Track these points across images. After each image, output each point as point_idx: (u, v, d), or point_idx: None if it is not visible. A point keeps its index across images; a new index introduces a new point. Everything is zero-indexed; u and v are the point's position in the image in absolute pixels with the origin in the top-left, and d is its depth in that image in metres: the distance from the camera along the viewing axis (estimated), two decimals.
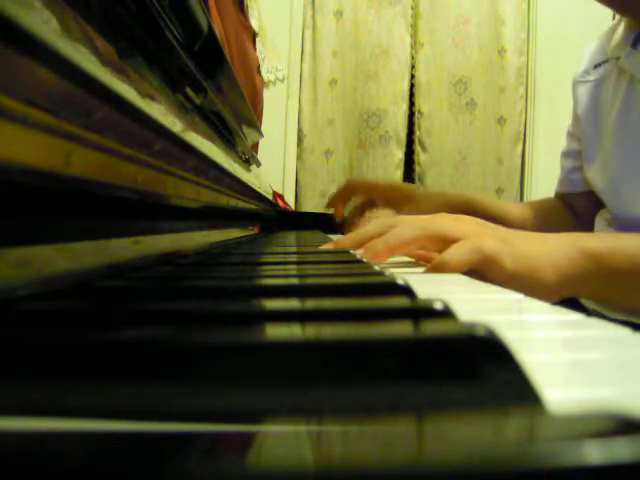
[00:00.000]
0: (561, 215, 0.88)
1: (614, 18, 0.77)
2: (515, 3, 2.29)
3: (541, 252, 0.44)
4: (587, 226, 0.83)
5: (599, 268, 0.44)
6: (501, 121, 2.30)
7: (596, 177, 0.77)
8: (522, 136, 2.32)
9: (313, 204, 2.25)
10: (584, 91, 0.80)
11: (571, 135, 0.87)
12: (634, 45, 0.70)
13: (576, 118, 0.83)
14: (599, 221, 0.80)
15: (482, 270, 0.41)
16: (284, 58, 2.26)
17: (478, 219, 0.49)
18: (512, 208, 0.88)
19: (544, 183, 2.06)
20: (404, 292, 0.24)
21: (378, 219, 0.49)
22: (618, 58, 0.72)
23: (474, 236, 0.43)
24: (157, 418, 0.11)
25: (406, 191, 0.88)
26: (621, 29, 0.73)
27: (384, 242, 0.44)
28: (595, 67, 0.79)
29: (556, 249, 0.45)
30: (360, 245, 0.47)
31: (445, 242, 0.43)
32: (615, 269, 0.44)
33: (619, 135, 0.71)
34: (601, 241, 0.46)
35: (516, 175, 2.32)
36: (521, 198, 2.31)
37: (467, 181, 2.30)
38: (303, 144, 2.29)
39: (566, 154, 0.88)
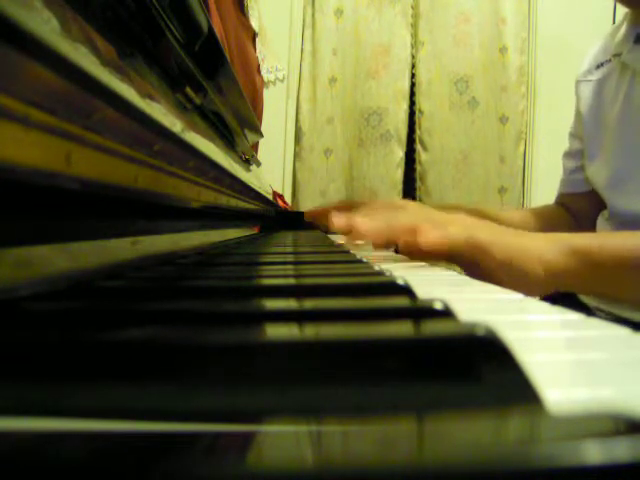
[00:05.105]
0: (562, 219, 0.88)
1: (614, 22, 0.78)
2: (516, 1, 2.29)
3: (530, 247, 0.47)
4: (588, 230, 0.83)
5: (586, 264, 0.46)
6: (503, 120, 2.30)
7: (598, 174, 0.77)
8: (524, 135, 2.32)
9: (312, 204, 2.25)
10: (587, 90, 0.80)
11: (573, 135, 0.87)
12: (637, 41, 0.70)
13: (578, 117, 0.83)
14: (601, 221, 0.80)
15: (472, 257, 0.45)
16: (284, 58, 2.26)
17: (472, 217, 0.52)
18: (514, 215, 0.88)
19: (547, 182, 2.06)
20: (404, 292, 0.24)
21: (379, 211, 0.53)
22: (620, 55, 0.73)
23: (466, 227, 0.46)
24: (157, 418, 0.11)
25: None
26: (624, 28, 0.74)
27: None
28: (597, 67, 0.79)
29: (545, 245, 0.47)
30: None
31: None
32: (601, 265, 0.46)
33: (622, 130, 0.72)
34: (589, 238, 0.49)
35: (519, 174, 2.31)
36: (524, 197, 2.31)
37: (469, 181, 2.29)
38: (302, 143, 2.29)
39: (568, 154, 0.88)
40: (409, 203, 0.53)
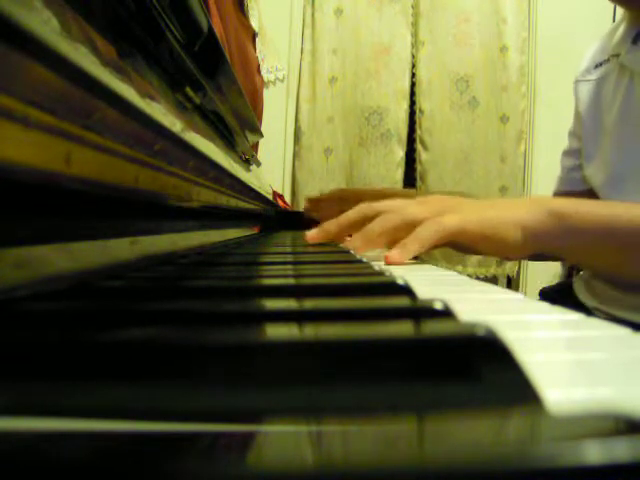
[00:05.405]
0: None
1: (614, 20, 0.78)
2: (516, 1, 2.29)
3: (507, 214, 0.48)
4: None
5: (563, 226, 0.48)
6: (504, 119, 2.30)
7: (595, 174, 0.77)
8: (525, 134, 2.32)
9: None
10: (586, 90, 0.80)
11: (572, 134, 0.87)
12: (635, 41, 0.70)
13: (577, 117, 0.84)
14: None
15: (452, 240, 0.46)
16: (284, 57, 2.26)
17: (445, 196, 0.54)
18: None
19: (547, 181, 2.05)
20: (404, 292, 0.24)
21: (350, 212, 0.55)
22: (619, 55, 0.73)
23: (438, 215, 0.47)
24: (157, 418, 0.11)
25: (402, 197, 0.88)
26: (622, 28, 0.74)
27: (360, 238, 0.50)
28: (596, 67, 0.79)
29: (522, 210, 0.48)
30: (340, 234, 0.55)
31: (414, 227, 0.47)
32: (579, 228, 0.48)
33: (620, 130, 0.72)
34: (567, 203, 0.50)
35: (519, 173, 2.31)
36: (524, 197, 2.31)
37: (470, 180, 2.29)
38: (301, 142, 2.29)
39: (567, 153, 0.88)
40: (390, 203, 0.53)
